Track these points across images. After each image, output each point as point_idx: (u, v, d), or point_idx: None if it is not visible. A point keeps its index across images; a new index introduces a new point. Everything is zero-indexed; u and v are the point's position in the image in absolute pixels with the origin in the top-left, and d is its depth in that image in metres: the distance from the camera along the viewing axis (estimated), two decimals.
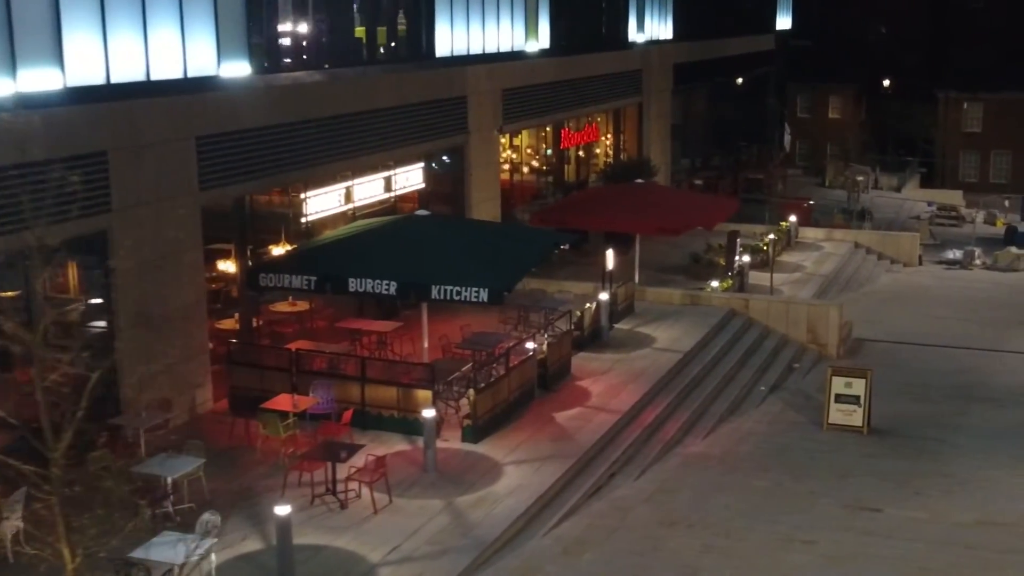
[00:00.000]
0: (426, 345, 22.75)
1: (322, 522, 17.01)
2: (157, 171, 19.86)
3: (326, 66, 25.14)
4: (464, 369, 21.29)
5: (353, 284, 20.64)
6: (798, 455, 21.28)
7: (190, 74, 20.49)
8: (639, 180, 35.24)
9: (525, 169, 37.61)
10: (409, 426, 20.30)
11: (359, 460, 17.97)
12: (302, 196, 24.69)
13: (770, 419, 23.49)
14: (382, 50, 27.84)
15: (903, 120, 79.34)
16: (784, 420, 23.46)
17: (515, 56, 33.28)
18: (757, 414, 23.96)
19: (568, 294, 28.58)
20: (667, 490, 19.23)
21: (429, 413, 18.87)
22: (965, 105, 76.75)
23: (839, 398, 22.85)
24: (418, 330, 22.76)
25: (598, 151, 43.16)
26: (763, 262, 37.79)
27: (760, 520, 18.05)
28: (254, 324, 24.10)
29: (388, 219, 23.56)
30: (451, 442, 20.14)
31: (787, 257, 39.38)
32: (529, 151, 38.15)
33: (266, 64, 23.01)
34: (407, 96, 27.65)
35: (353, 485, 17.75)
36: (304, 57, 24.88)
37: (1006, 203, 59.03)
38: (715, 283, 32.24)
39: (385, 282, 20.48)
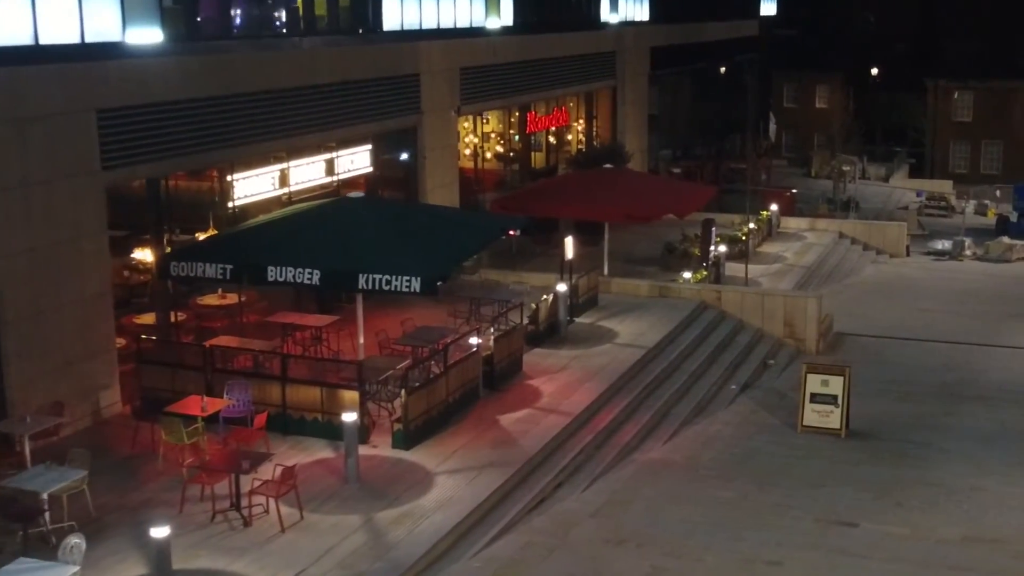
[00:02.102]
0: (361, 341, 20.62)
1: (221, 542, 14.94)
2: (48, 147, 17.72)
3: (255, 36, 23.05)
4: (399, 367, 19.20)
5: (272, 273, 18.49)
6: (767, 462, 19.22)
7: (88, 39, 18.36)
8: (608, 166, 33.17)
9: (489, 154, 35.51)
10: (334, 431, 18.19)
11: (270, 470, 15.89)
12: (229, 179, 22.60)
13: (740, 421, 21.43)
14: (322, 21, 25.69)
15: (892, 110, 77.35)
16: (755, 422, 21.41)
17: (474, 33, 31.21)
18: (726, 415, 21.90)
19: (525, 286, 26.48)
20: (618, 502, 17.16)
21: (350, 417, 16.78)
22: (956, 94, 74.71)
23: (815, 398, 20.80)
24: (348, 324, 20.81)
25: (570, 137, 41.12)
26: (741, 252, 35.89)
27: (720, 537, 15.99)
28: (180, 318, 22.09)
29: (318, 203, 21.47)
30: (380, 449, 18.08)
31: (768, 247, 37.41)
32: (494, 135, 36.07)
33: (183, 31, 20.89)
34: (350, 72, 25.55)
35: (261, 499, 15.68)
36: (229, 25, 22.74)
37: (997, 193, 57.10)
38: (687, 274, 30.25)
39: (308, 271, 18.33)
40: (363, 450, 17.93)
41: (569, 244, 25.23)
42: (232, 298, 23.36)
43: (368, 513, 15.80)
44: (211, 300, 23.35)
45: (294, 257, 18.53)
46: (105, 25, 18.67)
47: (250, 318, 23.50)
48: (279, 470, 15.57)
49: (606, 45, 40.40)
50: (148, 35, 19.59)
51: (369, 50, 26.42)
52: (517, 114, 35.97)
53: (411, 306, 25.26)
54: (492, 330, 21.16)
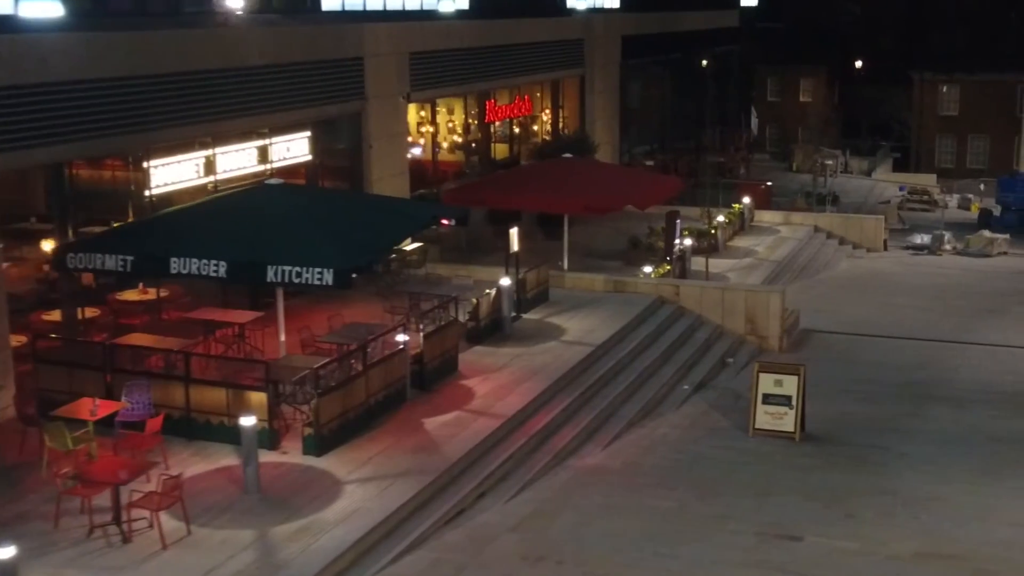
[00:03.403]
0: (283, 338, 19.29)
1: (94, 560, 13.50)
2: None
3: (172, 12, 21.59)
4: (316, 367, 17.70)
5: (175, 265, 17.08)
6: (713, 468, 17.78)
7: None
8: (568, 155, 31.74)
9: (445, 144, 34.04)
10: (241, 436, 16.77)
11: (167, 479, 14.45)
12: (146, 165, 21.13)
13: (689, 423, 20.00)
14: None
15: (877, 104, 76.03)
16: (705, 425, 19.97)
17: (425, 16, 29.78)
18: (675, 417, 20.47)
19: (470, 280, 25.01)
20: (544, 514, 15.71)
21: (248, 421, 15.33)
22: (944, 88, 73.46)
23: (767, 399, 19.37)
24: (291, 320, 19.43)
25: (536, 127, 39.68)
26: (711, 247, 34.56)
27: (651, 552, 14.54)
28: (93, 315, 20.64)
29: (232, 191, 20.03)
30: (291, 455, 16.64)
31: (739, 242, 36.00)
32: (451, 124, 34.61)
33: (89, 6, 19.43)
34: (284, 54, 24.10)
35: (145, 512, 14.23)
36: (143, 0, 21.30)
37: (981, 187, 55.64)
38: (648, 268, 28.81)
39: (214, 263, 16.93)
40: (272, 457, 16.57)
41: (514, 236, 23.78)
42: (152, 293, 21.93)
43: (263, 527, 14.36)
44: (131, 295, 21.87)
45: (199, 248, 17.17)
46: None
47: (171, 314, 22.04)
48: (165, 480, 14.13)
49: (573, 32, 38.96)
50: (46, 8, 18.13)
51: (305, 31, 24.99)
52: (476, 103, 34.53)
53: (350, 302, 23.86)
54: (421, 326, 19.70)
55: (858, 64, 76.48)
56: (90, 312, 20.83)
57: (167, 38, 20.88)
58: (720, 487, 16.86)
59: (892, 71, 74.76)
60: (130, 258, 17.32)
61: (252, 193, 19.14)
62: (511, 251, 23.84)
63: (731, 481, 17.12)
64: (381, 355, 18.39)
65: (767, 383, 19.38)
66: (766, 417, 19.30)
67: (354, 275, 17.04)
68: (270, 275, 16.77)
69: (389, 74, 27.97)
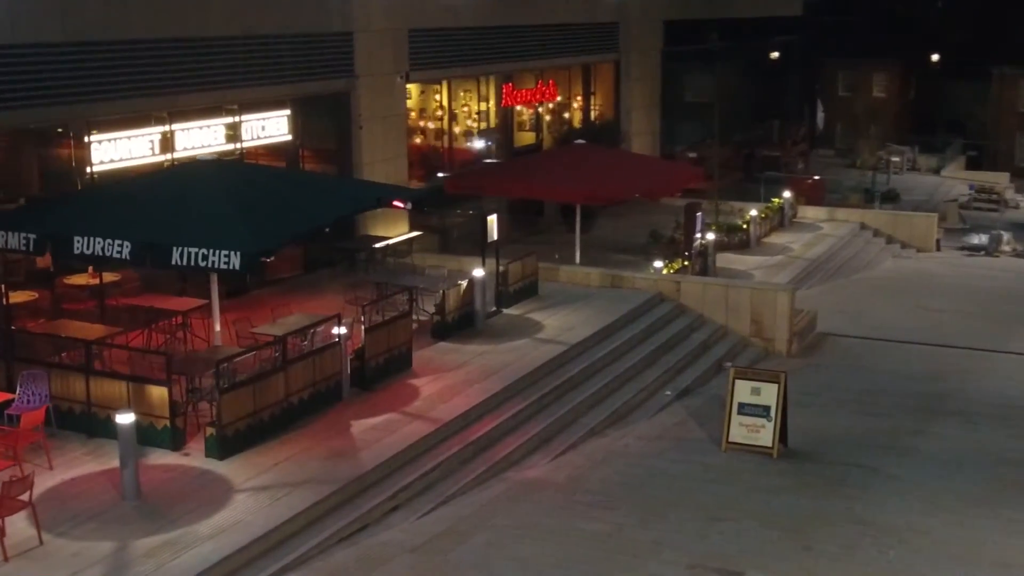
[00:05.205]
0: (217, 328, 17.80)
1: None
2: None
3: None
4: (218, 360, 15.95)
5: (78, 244, 15.64)
6: (667, 486, 15.74)
7: None
8: (580, 141, 29.82)
9: (458, 130, 32.27)
10: (145, 435, 15.21)
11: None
12: (87, 140, 19.71)
13: (658, 434, 17.98)
14: None
15: (953, 99, 72.44)
16: (676, 436, 17.94)
17: None
18: (646, 427, 18.46)
19: (443, 270, 23.22)
20: (456, 533, 13.87)
21: (125, 418, 13.76)
22: (1022, 82, 69.64)
23: (743, 409, 17.27)
24: (243, 310, 17.98)
25: (567, 115, 37.69)
26: (742, 242, 32.47)
27: None
28: (30, 298, 19.37)
29: (158, 170, 18.54)
30: (192, 457, 15.06)
31: (776, 238, 33.83)
32: (467, 108, 32.83)
33: None
34: (255, 25, 22.55)
35: None
36: None
37: None
38: (659, 263, 26.79)
39: (117, 242, 15.45)
40: (171, 459, 15.01)
41: (492, 224, 21.90)
42: (106, 278, 20.56)
43: (126, 539, 12.77)
44: (79, 280, 20.53)
45: (105, 227, 15.69)
46: None
47: (119, 300, 20.65)
48: (6, 483, 12.60)
49: (605, 14, 36.87)
50: None
51: (281, 1, 23.38)
52: (493, 86, 32.72)
53: (322, 291, 22.40)
54: (363, 319, 17.98)
55: (934, 58, 72.93)
56: (24, 296, 19.54)
57: (107, 2, 19.43)
58: (668, 509, 14.84)
59: (970, 65, 71.11)
60: (32, 236, 15.94)
61: (178, 170, 17.66)
62: (489, 239, 21.98)
63: (683, 502, 15.09)
64: (309, 349, 16.74)
65: (743, 391, 17.29)
66: (741, 429, 17.22)
67: (266, 259, 15.46)
68: (175, 257, 15.19)
69: (384, 51, 26.29)
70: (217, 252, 14.96)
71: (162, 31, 20.45)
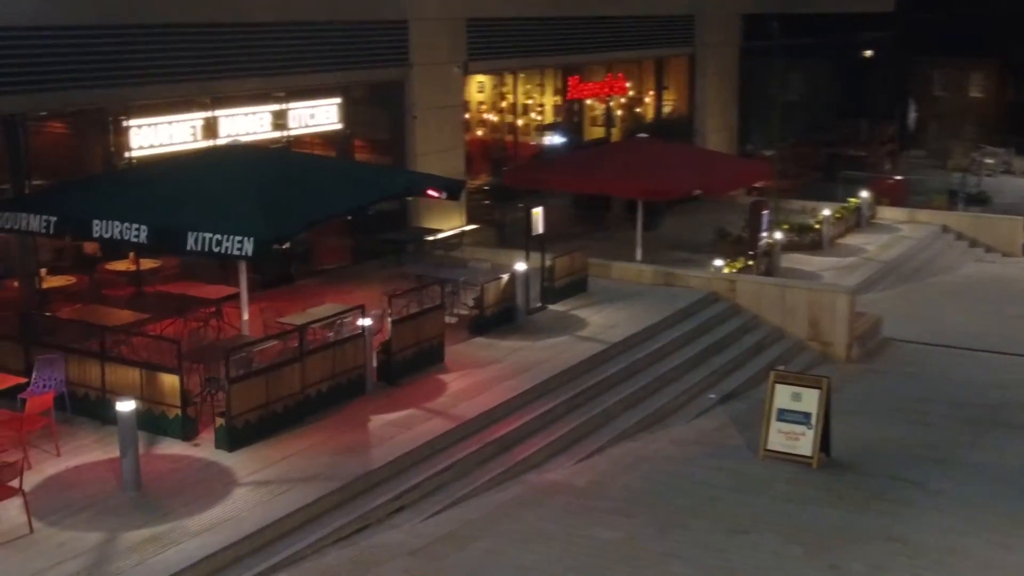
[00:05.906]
0: (245, 317, 17.42)
1: None
2: None
3: None
4: (228, 349, 15.54)
5: (97, 228, 15.50)
6: (694, 494, 14.93)
7: None
8: (643, 135, 29.00)
9: (521, 123, 31.61)
10: (156, 423, 14.97)
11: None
12: (125, 125, 19.54)
13: (693, 439, 17.15)
14: None
15: None
16: (713, 441, 17.10)
17: None
18: (682, 431, 17.65)
19: (486, 264, 22.60)
20: (459, 537, 13.26)
21: (125, 406, 13.42)
22: None
23: (783, 415, 16.39)
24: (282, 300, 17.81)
25: (640, 109, 36.82)
26: (814, 243, 31.34)
27: None
28: (69, 283, 19.34)
29: (187, 153, 18.27)
30: (202, 448, 14.71)
31: (851, 239, 32.61)
32: (531, 100, 32.15)
33: None
34: (302, 11, 22.21)
35: None
36: None
37: None
38: (719, 262, 25.85)
39: (135, 226, 15.25)
40: (180, 448, 14.73)
41: (538, 217, 21.25)
42: (146, 264, 20.44)
43: (115, 531, 12.42)
44: (119, 266, 20.44)
45: (124, 211, 15.49)
46: None
47: (159, 287, 20.49)
48: None
49: (678, 7, 35.91)
50: None
51: None
52: (560, 79, 32.01)
53: (363, 283, 22.01)
54: (388, 312, 17.48)
55: None
56: (61, 281, 19.48)
57: None
58: (689, 518, 14.05)
59: None
60: (53, 219, 15.84)
61: (205, 155, 17.35)
62: (532, 233, 21.34)
63: (708, 512, 14.29)
64: (330, 340, 16.28)
65: (783, 396, 16.40)
66: (779, 437, 16.33)
67: (280, 246, 15.07)
68: (190, 243, 14.93)
69: (439, 40, 25.79)
70: (231, 238, 14.63)
71: (204, 16, 20.19)
